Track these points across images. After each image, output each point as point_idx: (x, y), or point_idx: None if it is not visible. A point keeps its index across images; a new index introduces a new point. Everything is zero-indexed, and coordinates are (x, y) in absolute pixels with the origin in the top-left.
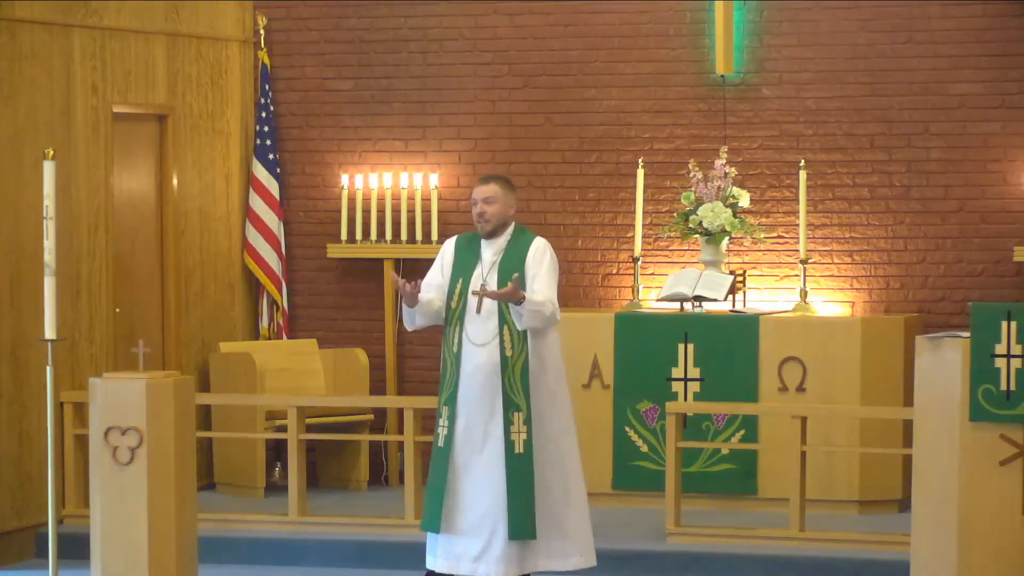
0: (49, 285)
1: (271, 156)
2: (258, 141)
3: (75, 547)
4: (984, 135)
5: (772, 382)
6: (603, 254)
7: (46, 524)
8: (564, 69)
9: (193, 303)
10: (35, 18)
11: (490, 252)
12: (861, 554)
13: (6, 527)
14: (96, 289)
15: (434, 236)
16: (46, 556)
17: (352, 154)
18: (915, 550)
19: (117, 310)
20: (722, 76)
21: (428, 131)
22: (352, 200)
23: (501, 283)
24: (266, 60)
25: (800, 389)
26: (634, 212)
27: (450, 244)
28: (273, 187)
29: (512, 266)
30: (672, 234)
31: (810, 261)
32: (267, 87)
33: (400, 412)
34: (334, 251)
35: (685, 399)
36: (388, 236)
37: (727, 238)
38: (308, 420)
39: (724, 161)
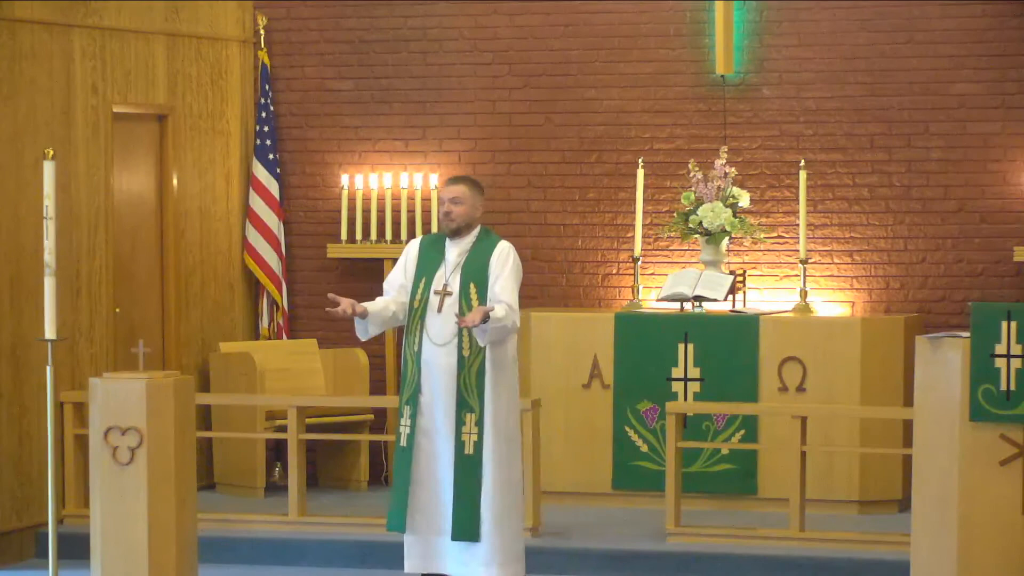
0: (49, 285)
1: (271, 156)
2: (258, 141)
3: (75, 547)
4: (984, 135)
5: (772, 382)
6: (603, 254)
7: (46, 524)
8: (564, 69)
9: (193, 303)
10: (35, 18)
11: (455, 253)
12: (861, 554)
13: (6, 527)
14: (96, 289)
15: None
16: (46, 556)
17: (352, 154)
18: (915, 550)
19: (117, 310)
20: (722, 76)
21: (428, 131)
22: (352, 200)
23: (464, 285)
24: (266, 60)
25: (800, 389)
26: (634, 212)
27: (415, 244)
28: (273, 187)
29: (476, 268)
30: (672, 234)
31: (810, 261)
32: (267, 87)
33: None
34: (334, 251)
35: (685, 399)
36: (388, 236)
37: (727, 238)
38: (308, 420)
39: (724, 161)
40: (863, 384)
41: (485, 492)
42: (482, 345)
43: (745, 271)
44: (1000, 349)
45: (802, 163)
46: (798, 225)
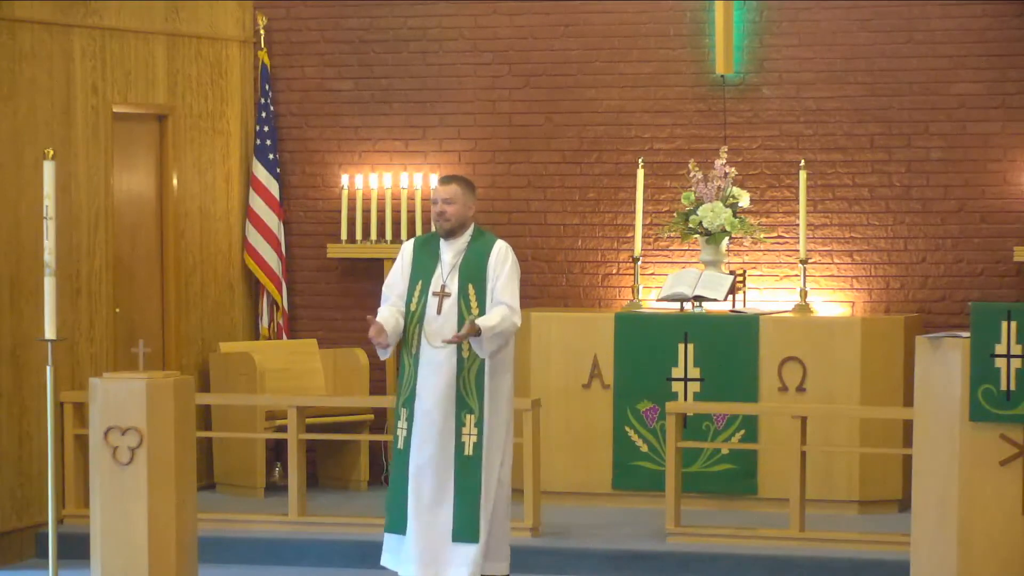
0: (49, 285)
1: (271, 156)
2: (258, 141)
3: (75, 547)
4: (984, 135)
5: (772, 382)
6: (603, 254)
7: (46, 524)
8: (564, 69)
9: (193, 303)
10: (35, 18)
11: (450, 254)
12: (861, 554)
13: (6, 527)
14: (96, 289)
15: None
16: (46, 556)
17: (352, 154)
18: (915, 550)
19: (117, 310)
20: (722, 76)
21: (428, 131)
22: (352, 200)
23: (462, 286)
24: (266, 60)
25: (800, 389)
26: (634, 212)
27: (408, 246)
28: (273, 187)
29: (473, 269)
30: (672, 234)
31: (810, 261)
32: (267, 87)
33: None
34: (334, 251)
35: (685, 399)
36: (388, 236)
37: (727, 238)
38: (308, 420)
39: (724, 161)
40: (863, 384)
41: (484, 492)
42: (484, 357)
43: (745, 271)
44: (1000, 349)
45: (802, 163)
46: (798, 225)
